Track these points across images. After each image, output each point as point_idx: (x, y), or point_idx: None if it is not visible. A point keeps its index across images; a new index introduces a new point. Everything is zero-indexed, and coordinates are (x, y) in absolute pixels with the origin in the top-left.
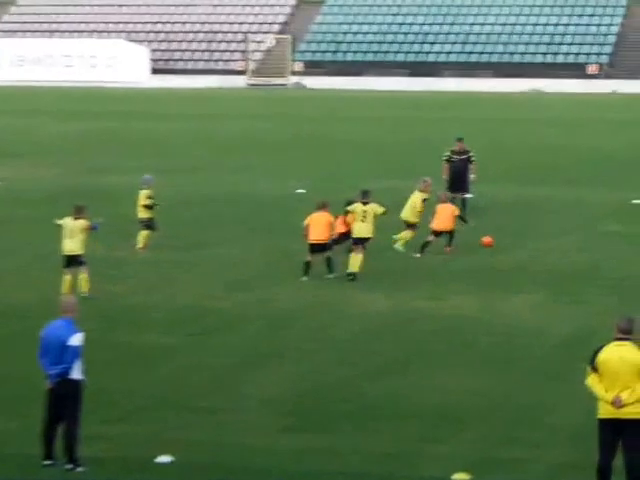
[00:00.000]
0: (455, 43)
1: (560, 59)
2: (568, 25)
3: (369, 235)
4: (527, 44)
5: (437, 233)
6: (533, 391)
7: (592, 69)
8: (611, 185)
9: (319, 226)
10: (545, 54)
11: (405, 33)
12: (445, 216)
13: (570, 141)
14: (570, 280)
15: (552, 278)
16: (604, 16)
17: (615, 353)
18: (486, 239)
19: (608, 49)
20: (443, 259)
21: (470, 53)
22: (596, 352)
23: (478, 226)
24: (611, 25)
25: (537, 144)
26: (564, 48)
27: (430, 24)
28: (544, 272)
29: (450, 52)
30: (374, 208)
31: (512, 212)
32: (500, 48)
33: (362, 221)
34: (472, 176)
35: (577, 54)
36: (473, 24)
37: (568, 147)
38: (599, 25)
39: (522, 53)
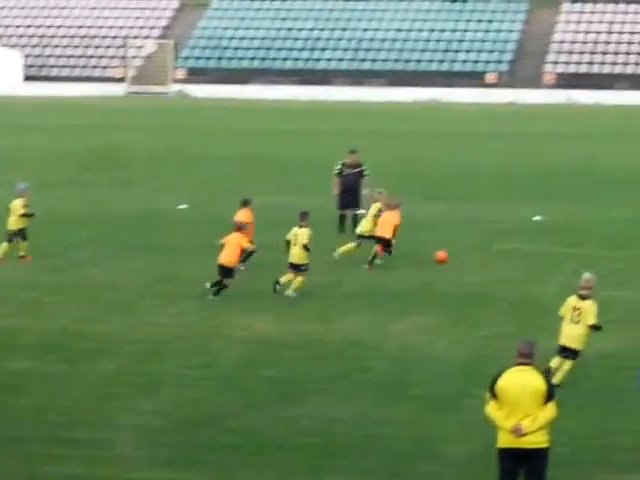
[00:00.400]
0: (347, 50)
1: (457, 67)
2: (466, 32)
3: (297, 261)
4: (422, 51)
5: (376, 239)
6: (428, 419)
7: (490, 78)
8: (509, 201)
9: (229, 247)
10: (441, 62)
11: (294, 39)
12: (387, 224)
13: (466, 155)
14: (466, 301)
15: (447, 299)
16: (503, 22)
17: (516, 379)
18: (440, 255)
19: (507, 57)
20: (336, 279)
21: (362, 61)
22: (496, 378)
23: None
24: (511, 32)
25: (431, 157)
26: (461, 56)
27: (320, 30)
28: (439, 293)
29: (342, 59)
30: (302, 235)
31: (406, 230)
32: (394, 55)
33: (295, 245)
34: (365, 191)
35: (475, 62)
36: (366, 30)
37: (463, 161)
38: (498, 32)
39: (417, 61)
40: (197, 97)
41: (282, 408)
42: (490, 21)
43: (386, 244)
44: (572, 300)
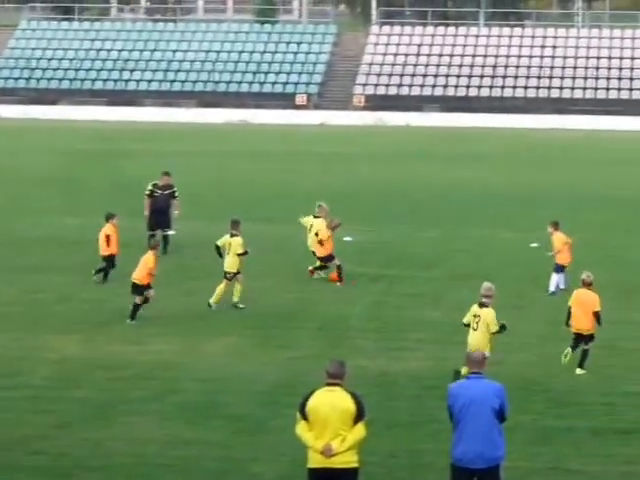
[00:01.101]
0: (156, 71)
1: (267, 89)
2: (275, 53)
3: (229, 269)
4: (233, 72)
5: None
6: (239, 440)
7: (301, 99)
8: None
9: (141, 265)
10: (251, 83)
11: (103, 60)
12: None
13: (277, 175)
14: (277, 322)
15: (258, 320)
16: (313, 44)
17: (325, 399)
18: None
19: (317, 79)
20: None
21: (172, 82)
22: (306, 398)
23: (180, 264)
24: (320, 54)
25: (243, 178)
26: (271, 77)
27: (130, 51)
28: (251, 314)
29: (151, 80)
30: (235, 245)
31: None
32: (204, 76)
33: (228, 253)
34: (175, 212)
35: (285, 84)
36: (175, 51)
37: (275, 182)
38: (307, 54)
39: (227, 82)
40: (6, 117)
41: (93, 429)
42: (299, 43)
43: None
44: (473, 308)
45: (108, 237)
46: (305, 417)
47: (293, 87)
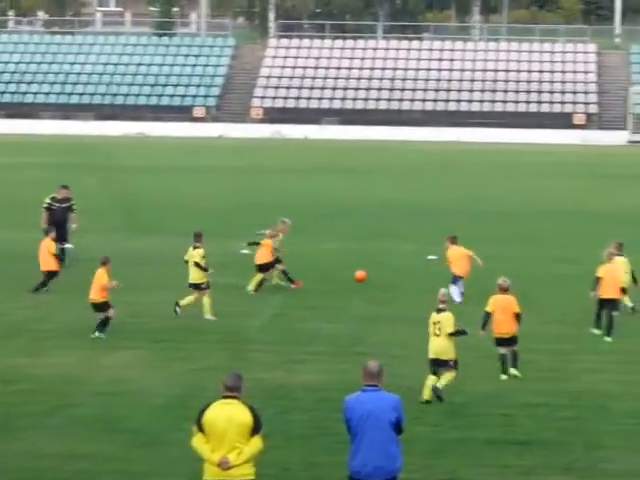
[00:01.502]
0: (54, 84)
1: (165, 101)
2: (173, 66)
3: (196, 281)
4: (130, 85)
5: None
6: (137, 453)
7: (199, 112)
8: (220, 235)
9: (94, 284)
10: (149, 96)
11: (0, 72)
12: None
13: (175, 189)
14: (176, 335)
15: (159, 333)
16: (211, 57)
17: (222, 412)
18: (359, 274)
19: (215, 92)
20: (44, 314)
21: (70, 94)
22: (202, 411)
23: (78, 277)
24: (218, 67)
25: (141, 191)
26: (169, 90)
27: (27, 63)
28: (150, 327)
29: (49, 93)
30: (195, 255)
31: (117, 264)
32: (102, 89)
33: (192, 267)
34: (73, 226)
35: (183, 96)
36: (73, 64)
37: (173, 195)
38: (206, 67)
39: (125, 95)
40: None
41: None
42: (198, 56)
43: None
44: (432, 316)
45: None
46: (202, 430)
47: (191, 100)
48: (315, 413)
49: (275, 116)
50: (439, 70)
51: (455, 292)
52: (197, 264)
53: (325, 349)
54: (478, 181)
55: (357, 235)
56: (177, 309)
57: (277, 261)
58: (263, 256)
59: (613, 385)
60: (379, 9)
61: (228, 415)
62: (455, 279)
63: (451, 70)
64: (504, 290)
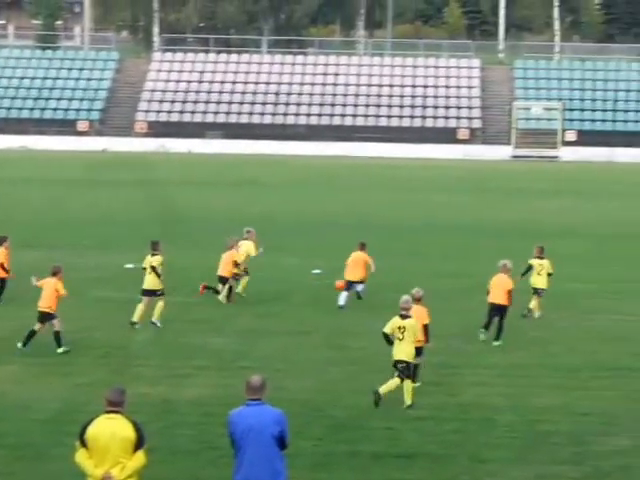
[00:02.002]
0: None
1: (49, 115)
2: (57, 80)
3: (152, 287)
4: (13, 99)
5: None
6: (18, 468)
7: (82, 126)
8: (103, 249)
9: (45, 292)
10: (32, 109)
11: None
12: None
13: (62, 202)
14: (55, 350)
15: (42, 348)
16: (94, 71)
17: (105, 427)
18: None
19: (99, 105)
20: None
21: None
22: (85, 426)
23: None
24: (102, 80)
25: (24, 203)
26: (53, 103)
27: None
28: (34, 342)
29: None
30: (153, 262)
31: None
32: None
33: (149, 273)
34: None
35: (67, 110)
36: None
37: (59, 209)
38: (89, 80)
39: (8, 108)
40: None
41: None
42: (81, 69)
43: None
44: (395, 320)
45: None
46: (85, 445)
47: (75, 113)
48: (200, 427)
49: (159, 130)
50: (324, 85)
51: (343, 296)
52: (154, 269)
53: (210, 363)
54: (362, 195)
55: None
56: (136, 326)
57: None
58: (224, 268)
59: (498, 398)
60: (263, 24)
61: (111, 430)
62: (350, 285)
63: (336, 85)
64: (417, 300)
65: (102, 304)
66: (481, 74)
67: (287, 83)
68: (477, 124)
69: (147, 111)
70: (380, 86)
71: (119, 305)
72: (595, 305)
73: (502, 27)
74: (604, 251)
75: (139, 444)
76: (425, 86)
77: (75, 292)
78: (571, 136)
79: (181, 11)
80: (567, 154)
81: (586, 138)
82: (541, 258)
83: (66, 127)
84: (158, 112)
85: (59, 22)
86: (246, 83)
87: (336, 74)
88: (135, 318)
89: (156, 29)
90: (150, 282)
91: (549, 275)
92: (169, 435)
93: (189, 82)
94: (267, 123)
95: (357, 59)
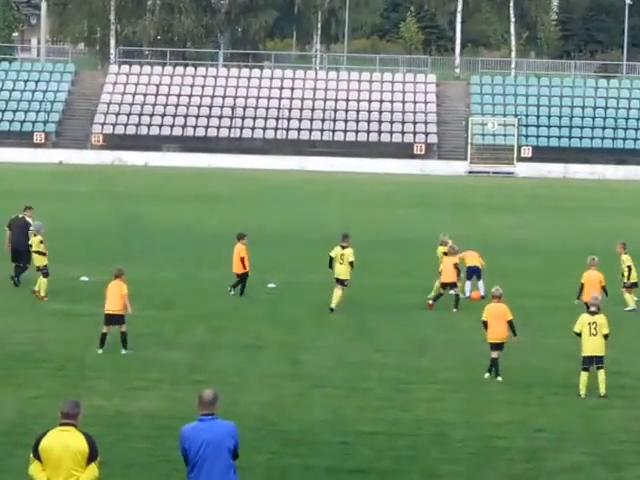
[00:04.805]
0: None
1: (5, 127)
2: (13, 91)
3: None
4: None
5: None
6: None
7: (39, 138)
8: (57, 261)
9: (112, 295)
10: None
11: None
12: None
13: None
14: (13, 362)
15: None
16: (50, 83)
17: (58, 440)
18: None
19: (55, 117)
20: None
21: None
22: (39, 439)
23: None
24: (58, 92)
25: None
26: (9, 115)
27: None
28: None
29: None
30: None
31: None
32: None
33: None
34: None
35: (23, 122)
36: None
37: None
38: (45, 92)
39: None
40: None
41: None
42: (37, 81)
43: None
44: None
45: None
46: (38, 457)
47: (31, 125)
48: (154, 440)
49: (116, 142)
50: (280, 99)
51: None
52: (351, 263)
53: (164, 376)
54: (317, 209)
55: (197, 262)
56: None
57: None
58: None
59: (452, 414)
60: (220, 37)
61: (64, 443)
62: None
63: (292, 99)
64: (496, 298)
65: (57, 317)
66: (437, 89)
67: (243, 97)
68: (433, 139)
69: (103, 123)
70: (336, 100)
71: (74, 318)
72: (549, 321)
73: (458, 42)
74: (557, 267)
75: (91, 457)
76: (381, 101)
77: (30, 305)
78: (527, 152)
79: (138, 24)
80: (523, 170)
81: (542, 154)
82: None
83: (22, 139)
84: (114, 125)
85: (15, 34)
86: (202, 96)
87: (292, 88)
88: (333, 304)
89: (113, 41)
90: (342, 271)
91: None
92: (123, 448)
93: (146, 95)
94: (223, 136)
95: (313, 73)
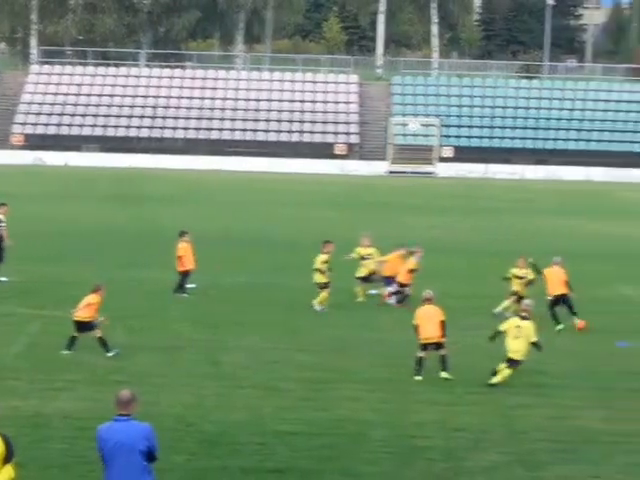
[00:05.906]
0: None
1: None
2: None
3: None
4: None
5: None
6: None
7: None
8: None
9: (83, 303)
10: None
11: None
12: None
13: None
14: None
15: None
16: None
17: None
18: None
19: None
20: None
21: None
22: None
23: None
24: None
25: None
26: None
27: None
28: None
29: None
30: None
31: None
32: None
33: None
34: None
35: None
36: None
37: None
38: None
39: None
40: None
41: None
42: None
43: None
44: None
45: None
46: None
47: None
48: (72, 441)
49: (36, 142)
50: (202, 99)
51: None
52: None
53: (83, 377)
54: (236, 210)
55: (115, 263)
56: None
57: None
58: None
59: (372, 413)
60: (142, 37)
61: None
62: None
63: (214, 99)
64: (428, 300)
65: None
66: (359, 89)
67: (165, 97)
68: (354, 139)
69: (24, 123)
70: (258, 100)
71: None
72: (471, 321)
73: (380, 43)
74: (477, 267)
75: (8, 458)
76: (303, 101)
77: None
78: (448, 152)
79: (60, 23)
80: (443, 170)
81: (463, 154)
82: None
83: None
84: (35, 124)
85: None
86: (124, 96)
87: (214, 88)
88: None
89: (34, 41)
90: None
91: None
92: (40, 449)
93: (67, 95)
94: (144, 136)
95: (236, 73)
